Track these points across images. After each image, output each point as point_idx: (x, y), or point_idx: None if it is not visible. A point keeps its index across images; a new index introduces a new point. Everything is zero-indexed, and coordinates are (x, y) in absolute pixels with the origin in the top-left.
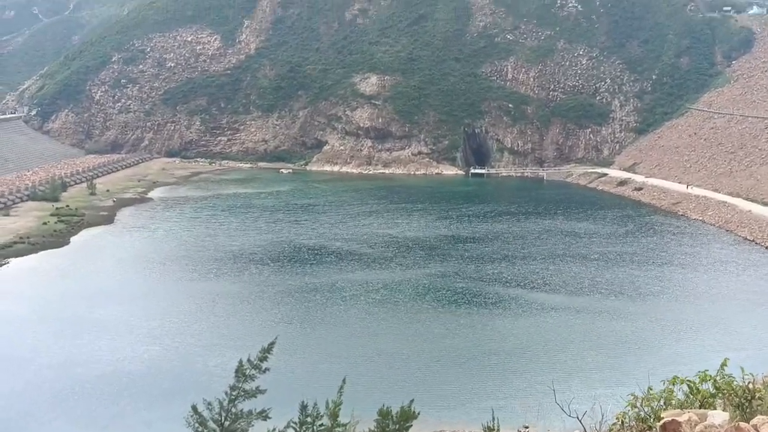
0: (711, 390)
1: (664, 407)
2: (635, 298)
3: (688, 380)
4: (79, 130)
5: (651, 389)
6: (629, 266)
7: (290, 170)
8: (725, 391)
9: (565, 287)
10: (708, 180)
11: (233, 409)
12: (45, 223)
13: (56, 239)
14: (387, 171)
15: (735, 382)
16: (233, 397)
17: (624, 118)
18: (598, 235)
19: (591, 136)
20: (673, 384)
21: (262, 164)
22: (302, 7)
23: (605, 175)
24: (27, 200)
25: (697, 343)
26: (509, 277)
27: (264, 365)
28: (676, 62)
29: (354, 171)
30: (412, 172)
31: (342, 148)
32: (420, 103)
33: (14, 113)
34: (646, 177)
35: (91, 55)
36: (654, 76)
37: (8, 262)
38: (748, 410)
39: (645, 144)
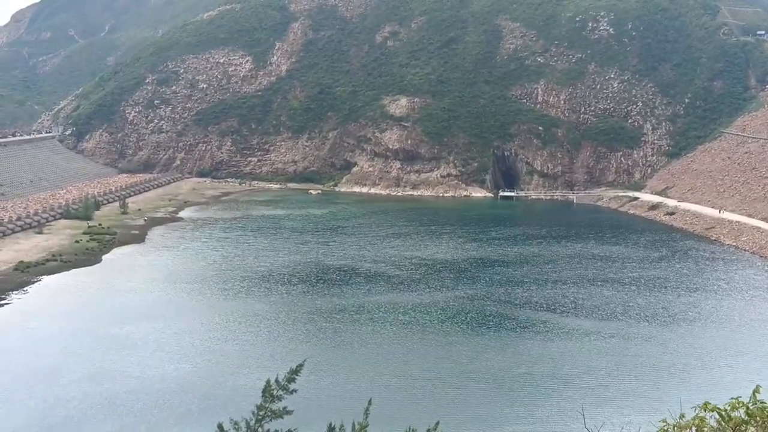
0: (743, 417)
1: None
2: (668, 324)
3: (718, 408)
4: (112, 149)
5: (683, 416)
6: (661, 291)
7: (319, 191)
8: (758, 418)
9: (596, 312)
10: (742, 205)
11: (259, 429)
12: (77, 242)
13: (88, 257)
14: (415, 193)
15: None
16: (260, 417)
17: (656, 141)
18: (629, 259)
19: (622, 159)
20: (705, 410)
21: (291, 185)
22: (333, 29)
23: (636, 198)
24: (60, 218)
25: (731, 370)
26: (539, 301)
27: (291, 386)
28: (709, 86)
29: (382, 192)
30: (441, 194)
31: (371, 169)
32: (449, 125)
33: (49, 133)
34: (679, 201)
35: (125, 76)
36: (687, 100)
37: (41, 279)
38: None
39: (677, 168)
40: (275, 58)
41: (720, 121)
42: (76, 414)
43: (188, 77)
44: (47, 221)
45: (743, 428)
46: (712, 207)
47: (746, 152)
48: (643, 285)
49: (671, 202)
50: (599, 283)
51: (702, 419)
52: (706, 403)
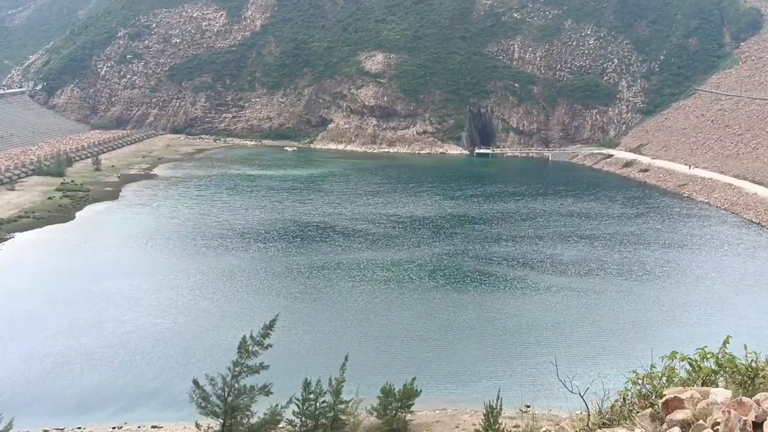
0: (713, 368)
1: (666, 384)
2: (641, 279)
3: (688, 358)
4: (84, 105)
5: (654, 367)
6: (636, 247)
7: (295, 148)
8: (728, 369)
9: (572, 268)
10: (714, 162)
11: (236, 385)
12: (50, 198)
13: (61, 214)
14: (391, 150)
15: (738, 360)
16: (236, 372)
17: (631, 98)
18: (604, 216)
19: (597, 116)
20: (672, 359)
21: (266, 142)
22: None
23: (611, 156)
24: (32, 175)
25: (702, 323)
26: (516, 257)
27: (266, 342)
28: (684, 43)
29: (358, 149)
30: (417, 152)
31: (347, 126)
32: (425, 81)
33: (20, 88)
34: (652, 158)
35: (97, 30)
36: (662, 57)
37: (13, 236)
38: (750, 388)
39: (651, 125)
40: (249, 12)
41: (694, 78)
42: (53, 369)
43: (161, 32)
44: (19, 177)
45: (712, 378)
46: (685, 164)
47: (720, 109)
48: (618, 241)
49: (645, 160)
50: (575, 240)
51: (672, 369)
52: (673, 353)
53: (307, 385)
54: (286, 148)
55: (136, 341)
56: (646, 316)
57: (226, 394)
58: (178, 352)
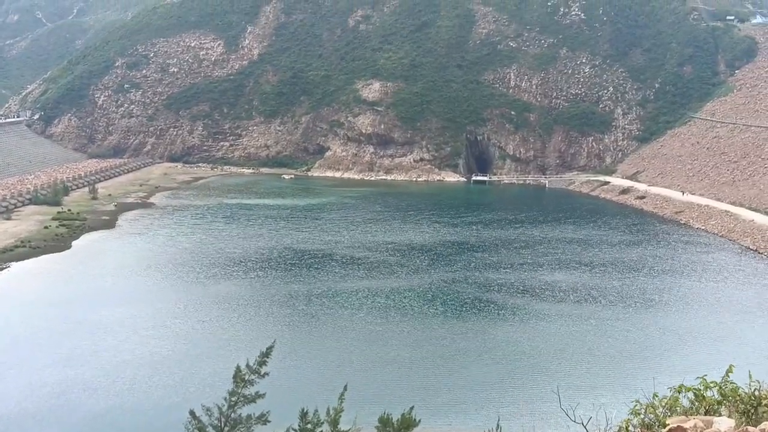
0: (717, 397)
1: (669, 414)
2: (640, 307)
3: (694, 388)
4: (81, 134)
5: (657, 396)
6: (634, 274)
7: (292, 176)
8: (731, 398)
9: (571, 295)
10: (711, 189)
11: (232, 415)
12: (46, 227)
13: (57, 243)
14: (389, 177)
15: (741, 389)
16: (232, 402)
17: (626, 126)
18: (603, 243)
19: (593, 144)
20: (679, 392)
21: (264, 170)
22: (305, 13)
23: (608, 183)
24: (29, 204)
25: (703, 352)
26: (515, 284)
27: (263, 370)
28: (679, 71)
29: (356, 177)
30: (414, 179)
31: (344, 154)
32: (422, 109)
33: (17, 117)
34: (649, 185)
35: (95, 59)
36: (657, 85)
37: (9, 266)
38: (754, 417)
39: (647, 152)
40: (247, 41)
41: (689, 106)
42: (50, 398)
43: (159, 61)
44: (15, 207)
45: (716, 408)
46: (680, 190)
47: (715, 137)
48: (618, 268)
49: (642, 187)
50: (574, 267)
51: (675, 399)
52: (681, 386)
53: (304, 414)
54: (283, 176)
55: (133, 370)
56: (648, 344)
57: (222, 424)
58: (176, 380)
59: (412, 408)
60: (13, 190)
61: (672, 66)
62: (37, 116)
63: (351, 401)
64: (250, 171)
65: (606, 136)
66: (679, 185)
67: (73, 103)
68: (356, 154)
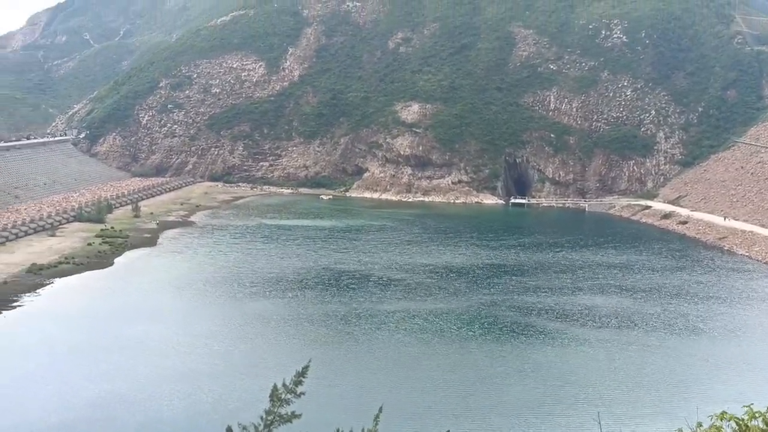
0: (761, 426)
1: None
2: (683, 334)
3: (735, 417)
4: (125, 153)
5: (701, 425)
6: (676, 301)
7: (330, 196)
8: None
9: (612, 320)
10: (755, 215)
11: None
12: (90, 244)
13: (100, 260)
14: (426, 199)
15: None
16: (268, 421)
17: (669, 150)
18: (644, 268)
19: (635, 167)
20: (721, 419)
21: (302, 190)
22: (346, 35)
23: (649, 207)
24: (73, 221)
25: (747, 381)
26: (554, 309)
27: (299, 389)
28: (723, 95)
29: (393, 198)
30: (452, 201)
31: (382, 175)
32: (461, 131)
33: (63, 136)
34: (691, 210)
35: (140, 80)
36: (700, 109)
37: (53, 282)
38: None
39: (690, 177)
40: (288, 63)
41: (733, 130)
42: (88, 413)
43: (201, 82)
44: (60, 224)
45: None
46: (722, 215)
47: (759, 162)
48: (659, 294)
49: (684, 212)
50: (615, 292)
51: (719, 429)
52: (723, 413)
53: None
54: (321, 196)
55: (171, 386)
56: (691, 372)
57: None
58: (213, 397)
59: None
60: (58, 208)
61: (716, 90)
62: (83, 135)
63: (387, 423)
64: (289, 191)
65: (648, 160)
66: (722, 210)
67: (118, 122)
68: (394, 176)
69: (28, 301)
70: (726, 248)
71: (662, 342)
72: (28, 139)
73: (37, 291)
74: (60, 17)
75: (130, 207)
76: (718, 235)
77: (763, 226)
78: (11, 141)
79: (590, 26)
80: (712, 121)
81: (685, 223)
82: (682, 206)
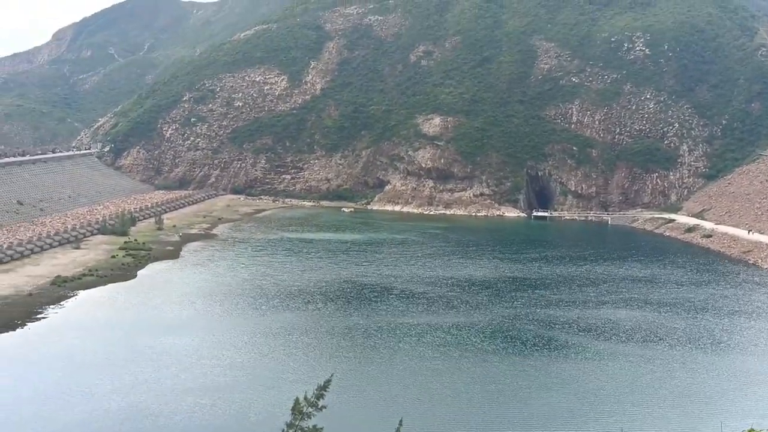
0: None
1: None
2: (708, 348)
3: None
4: (149, 166)
5: None
6: (701, 315)
7: (352, 209)
8: None
9: (636, 334)
10: None
11: None
12: (113, 257)
13: (124, 272)
14: (448, 212)
15: None
16: None
17: (693, 163)
18: (668, 282)
19: (658, 180)
20: None
21: (324, 203)
22: (367, 49)
23: (673, 221)
24: (97, 234)
25: None
26: (577, 322)
27: (321, 403)
28: (747, 108)
29: (415, 211)
30: (474, 214)
31: (404, 188)
32: (483, 144)
33: (88, 149)
34: (716, 224)
35: (163, 94)
36: (724, 121)
37: (77, 294)
38: None
39: (714, 190)
40: (310, 76)
41: (758, 143)
42: (113, 425)
43: (224, 95)
44: (84, 236)
45: None
46: (747, 228)
47: None
48: (684, 308)
49: (708, 225)
50: (639, 306)
51: None
52: (751, 430)
53: None
54: (343, 209)
55: (194, 398)
56: (716, 387)
57: None
58: (235, 410)
59: None
60: (82, 220)
61: (739, 102)
62: (107, 148)
63: None
64: (311, 204)
65: (671, 173)
66: (747, 224)
67: (142, 135)
68: (416, 188)
69: (52, 313)
70: (751, 262)
71: (687, 357)
72: (53, 152)
73: (62, 303)
74: (85, 32)
75: (153, 220)
76: (742, 249)
77: None
78: (37, 154)
79: (612, 39)
80: (736, 133)
81: (709, 236)
82: (706, 219)
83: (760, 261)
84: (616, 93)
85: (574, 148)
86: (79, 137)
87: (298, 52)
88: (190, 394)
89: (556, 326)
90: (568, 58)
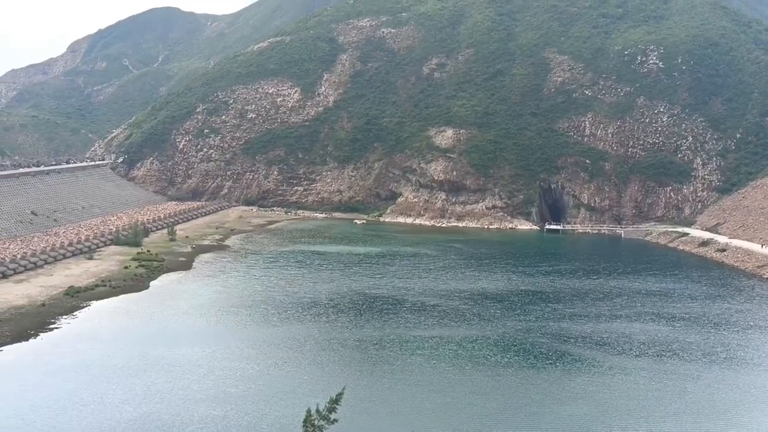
0: None
1: None
2: (724, 363)
3: None
4: (162, 177)
5: None
6: (716, 329)
7: (364, 221)
8: None
9: (651, 349)
10: None
11: None
12: (126, 267)
13: (136, 283)
14: (460, 224)
15: None
16: None
17: (706, 176)
18: (682, 296)
19: (671, 194)
20: None
21: (336, 214)
22: (380, 61)
23: (686, 234)
24: (110, 244)
25: None
26: (591, 336)
27: (333, 416)
28: (761, 121)
29: (427, 223)
30: (486, 226)
31: (416, 200)
32: (495, 156)
33: (102, 160)
34: (730, 238)
35: (177, 105)
36: (738, 135)
37: (90, 304)
38: None
39: (728, 204)
40: (323, 88)
41: None
42: None
43: (237, 107)
44: (98, 247)
45: None
46: (761, 243)
47: None
48: (699, 323)
49: (722, 239)
50: (653, 320)
51: None
52: None
53: None
54: (355, 220)
55: (206, 409)
56: (732, 402)
57: None
58: (248, 421)
59: None
60: (96, 231)
61: (754, 116)
62: (121, 159)
63: None
64: (323, 215)
65: (685, 187)
66: (761, 238)
67: (155, 147)
68: (428, 201)
69: (65, 323)
70: (766, 277)
71: (701, 371)
72: (67, 163)
73: (74, 313)
74: (100, 44)
75: (166, 231)
76: (757, 263)
77: None
78: (51, 165)
79: (626, 52)
80: (750, 147)
81: (723, 250)
82: (720, 233)
83: None
84: (630, 106)
85: (587, 161)
86: (93, 148)
87: (311, 64)
88: (202, 405)
89: (570, 340)
90: (581, 71)
